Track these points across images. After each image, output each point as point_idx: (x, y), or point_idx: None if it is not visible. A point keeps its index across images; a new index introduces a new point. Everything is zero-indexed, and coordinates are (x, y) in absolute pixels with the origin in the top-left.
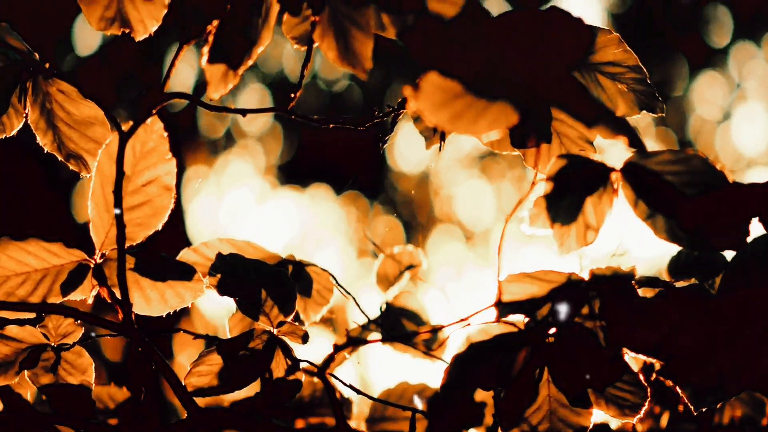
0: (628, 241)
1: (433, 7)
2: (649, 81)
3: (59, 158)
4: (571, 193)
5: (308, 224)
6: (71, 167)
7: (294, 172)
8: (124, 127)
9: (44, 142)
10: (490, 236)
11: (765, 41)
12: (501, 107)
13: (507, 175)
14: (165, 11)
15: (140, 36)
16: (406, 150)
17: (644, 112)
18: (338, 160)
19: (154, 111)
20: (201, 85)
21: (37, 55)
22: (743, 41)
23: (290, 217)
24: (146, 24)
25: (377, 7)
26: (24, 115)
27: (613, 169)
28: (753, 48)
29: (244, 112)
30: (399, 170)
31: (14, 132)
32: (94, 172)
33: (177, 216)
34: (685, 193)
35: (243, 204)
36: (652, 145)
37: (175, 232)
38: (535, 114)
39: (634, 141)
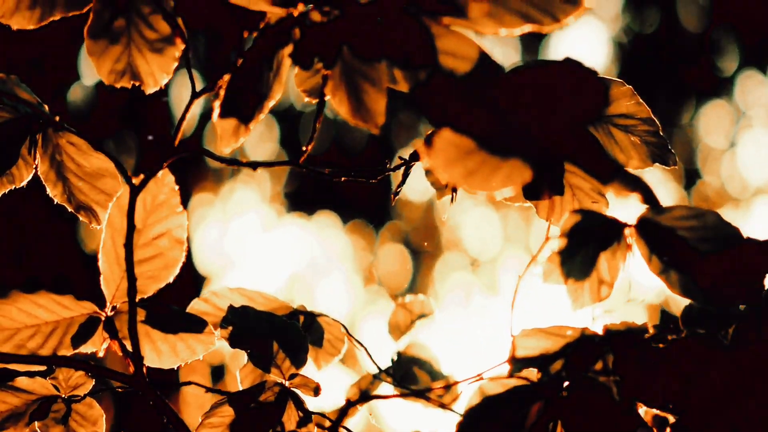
0: (639, 284)
1: (446, 62)
2: (661, 133)
3: (69, 209)
4: (584, 249)
5: (315, 252)
6: (81, 218)
7: (300, 200)
8: (135, 181)
9: (54, 193)
10: (497, 263)
11: None
12: (515, 164)
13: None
14: (175, 64)
15: (150, 89)
16: (411, 179)
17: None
18: (344, 187)
19: (165, 165)
20: (207, 112)
21: (46, 107)
22: (749, 69)
23: (296, 245)
24: (156, 77)
25: (389, 62)
26: (34, 166)
27: (626, 225)
28: (759, 76)
29: (254, 165)
30: (405, 198)
31: (24, 183)
32: (105, 224)
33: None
34: (699, 248)
35: (249, 231)
36: (657, 175)
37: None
38: (549, 170)
39: (648, 197)
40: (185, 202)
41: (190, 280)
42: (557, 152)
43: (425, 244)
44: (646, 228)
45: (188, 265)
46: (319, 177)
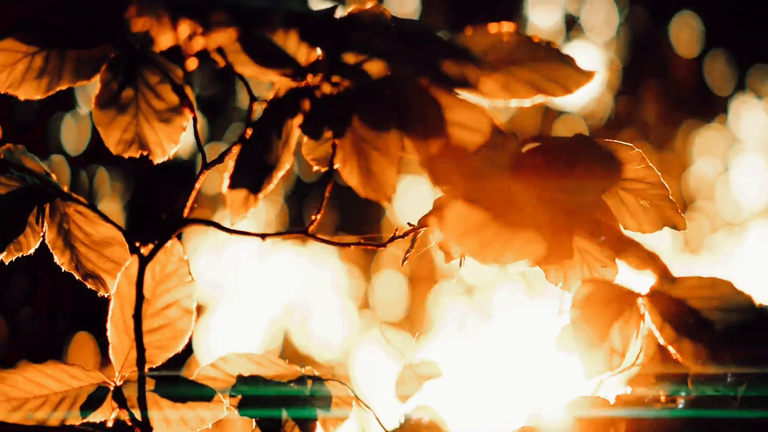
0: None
1: (457, 134)
2: (671, 198)
3: (77, 277)
4: (597, 319)
5: (309, 278)
6: (89, 286)
7: (295, 227)
8: (144, 250)
9: (62, 261)
10: (492, 289)
11: (766, 93)
12: (528, 236)
13: None
14: (183, 133)
15: (158, 159)
16: (406, 204)
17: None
18: (339, 213)
19: (173, 235)
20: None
21: (54, 177)
22: (743, 94)
23: (291, 271)
24: (165, 147)
25: (400, 132)
26: (41, 234)
27: (639, 295)
28: (753, 100)
29: (263, 236)
30: (399, 225)
31: (31, 251)
32: (114, 294)
33: None
34: (711, 318)
35: (244, 259)
36: None
37: None
38: (562, 240)
39: (661, 270)
40: None
41: None
42: (572, 226)
43: (420, 269)
44: (658, 298)
45: None
46: (329, 243)
